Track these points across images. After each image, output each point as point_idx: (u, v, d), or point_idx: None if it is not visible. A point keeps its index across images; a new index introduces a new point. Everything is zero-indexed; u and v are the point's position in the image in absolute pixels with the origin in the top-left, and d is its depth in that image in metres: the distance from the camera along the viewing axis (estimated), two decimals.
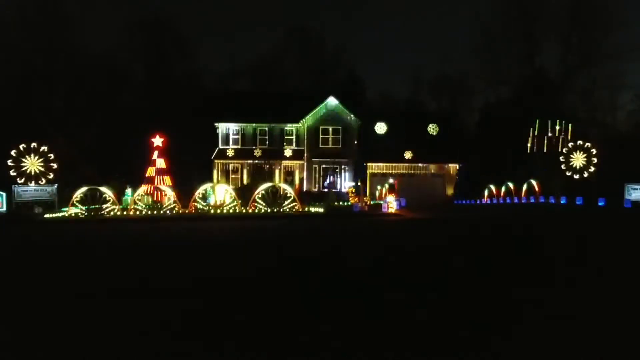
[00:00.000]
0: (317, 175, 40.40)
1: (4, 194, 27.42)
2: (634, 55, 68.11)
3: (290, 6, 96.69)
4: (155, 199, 30.65)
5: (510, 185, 36.47)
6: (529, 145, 43.32)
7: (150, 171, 31.76)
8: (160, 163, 31.96)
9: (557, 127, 42.02)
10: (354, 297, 7.81)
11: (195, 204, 26.61)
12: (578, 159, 34.53)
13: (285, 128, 41.43)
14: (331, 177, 39.16)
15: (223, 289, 8.57)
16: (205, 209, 26.62)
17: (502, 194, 37.02)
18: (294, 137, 41.50)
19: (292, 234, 17.77)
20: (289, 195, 27.48)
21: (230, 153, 40.80)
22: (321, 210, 27.06)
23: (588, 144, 34.84)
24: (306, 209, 27.19)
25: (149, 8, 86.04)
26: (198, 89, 52.22)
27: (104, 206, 26.21)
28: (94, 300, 7.87)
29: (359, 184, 34.15)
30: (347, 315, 6.77)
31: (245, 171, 40.28)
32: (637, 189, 29.10)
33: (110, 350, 5.55)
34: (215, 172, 40.39)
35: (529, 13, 45.79)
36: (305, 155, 40.51)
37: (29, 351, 5.58)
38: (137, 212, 26.44)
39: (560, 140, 41.72)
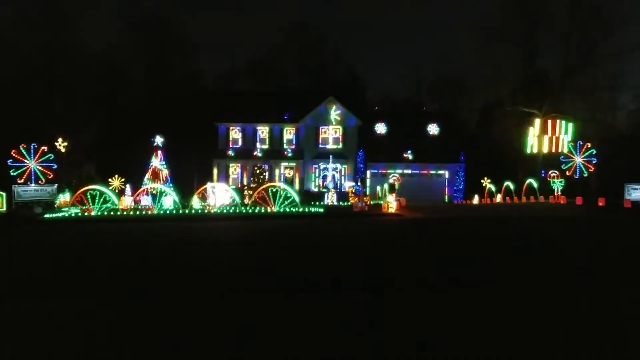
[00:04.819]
0: (317, 175, 40.38)
1: (4, 194, 27.41)
2: (634, 55, 67.97)
3: (290, 6, 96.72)
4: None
5: (510, 185, 36.50)
6: (529, 145, 43.30)
7: (150, 171, 31.75)
8: (160, 163, 31.95)
9: (557, 127, 41.99)
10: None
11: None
12: (578, 159, 34.50)
13: (285, 128, 41.39)
14: (331, 177, 39.08)
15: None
16: (205, 210, 26.64)
17: (502, 193, 37.05)
18: (294, 137, 41.47)
19: (293, 234, 17.76)
20: (288, 195, 27.48)
21: (230, 153, 40.76)
22: (321, 210, 27.05)
23: (588, 144, 34.83)
24: (306, 209, 27.17)
25: (149, 8, 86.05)
26: (198, 89, 52.16)
27: (104, 206, 26.21)
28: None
29: (359, 184, 34.16)
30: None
31: (245, 171, 40.24)
32: (637, 189, 29.08)
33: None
34: (215, 172, 40.35)
35: (529, 13, 45.67)
36: (305, 155, 40.48)
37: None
38: (137, 212, 26.48)
39: (561, 140, 41.70)
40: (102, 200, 26.18)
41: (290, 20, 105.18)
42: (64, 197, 30.95)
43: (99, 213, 25.71)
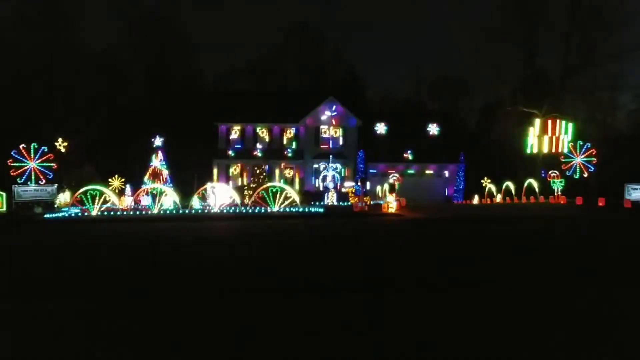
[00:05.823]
0: (317, 175, 40.39)
1: (4, 194, 27.40)
2: (634, 55, 67.90)
3: (290, 5, 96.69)
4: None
5: (510, 185, 36.49)
6: (529, 145, 43.26)
7: (150, 171, 31.75)
8: (160, 163, 31.95)
9: (557, 127, 41.94)
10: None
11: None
12: (578, 159, 34.52)
13: (285, 128, 41.38)
14: (331, 177, 39.08)
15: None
16: (205, 210, 26.67)
17: (502, 193, 37.04)
18: (294, 136, 41.47)
19: (293, 234, 17.75)
20: (288, 195, 27.46)
21: (230, 153, 40.75)
22: (321, 210, 27.04)
23: (588, 144, 34.83)
24: (306, 209, 27.17)
25: (149, 8, 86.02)
26: (198, 89, 52.15)
27: (104, 206, 26.20)
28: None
29: (359, 183, 34.16)
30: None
31: (245, 171, 40.24)
32: (637, 189, 29.08)
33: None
34: (215, 172, 40.36)
35: (529, 13, 45.66)
36: (305, 155, 40.48)
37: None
38: (137, 212, 26.49)
39: (561, 140, 41.65)
40: (102, 200, 26.16)
41: (290, 20, 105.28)
42: (64, 197, 31.05)
43: (99, 213, 25.70)
